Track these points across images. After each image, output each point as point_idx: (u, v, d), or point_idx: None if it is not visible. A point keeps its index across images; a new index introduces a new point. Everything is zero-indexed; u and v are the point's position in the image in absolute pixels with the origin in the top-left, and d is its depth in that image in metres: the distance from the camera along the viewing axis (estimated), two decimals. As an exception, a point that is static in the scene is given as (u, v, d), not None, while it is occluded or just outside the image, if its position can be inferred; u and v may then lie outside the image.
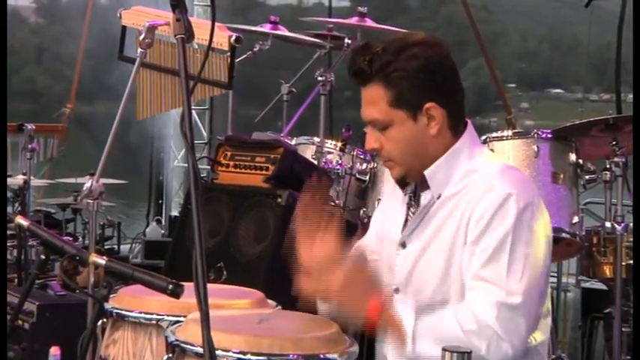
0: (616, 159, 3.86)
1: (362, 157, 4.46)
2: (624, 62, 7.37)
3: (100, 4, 10.59)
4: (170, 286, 1.97)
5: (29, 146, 5.35)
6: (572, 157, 3.91)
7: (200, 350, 1.98)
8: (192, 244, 1.80)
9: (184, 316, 2.23)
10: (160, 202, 9.35)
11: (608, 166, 3.89)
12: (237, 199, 4.02)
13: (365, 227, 2.84)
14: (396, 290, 2.40)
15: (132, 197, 12.61)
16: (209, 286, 1.78)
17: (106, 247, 7.34)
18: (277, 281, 2.76)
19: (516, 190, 2.25)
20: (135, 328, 2.36)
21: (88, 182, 3.09)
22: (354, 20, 4.92)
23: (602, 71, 21.62)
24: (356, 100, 2.41)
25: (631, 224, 3.90)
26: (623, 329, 3.89)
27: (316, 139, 4.53)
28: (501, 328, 2.15)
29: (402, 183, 2.45)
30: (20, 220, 2.25)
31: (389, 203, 2.58)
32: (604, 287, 4.75)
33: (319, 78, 4.76)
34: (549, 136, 3.91)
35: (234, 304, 2.45)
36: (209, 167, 4.92)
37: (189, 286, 1.87)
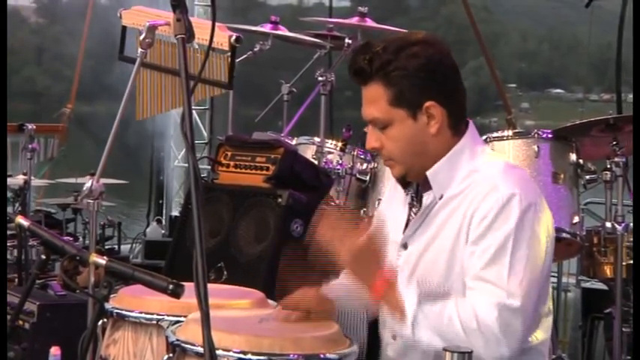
0: (616, 159, 3.86)
1: (362, 157, 4.46)
2: (624, 62, 7.37)
3: (100, 4, 10.57)
4: (170, 286, 1.97)
5: (29, 146, 5.35)
6: (573, 157, 3.91)
7: (201, 350, 1.98)
8: (193, 244, 1.80)
9: (185, 316, 2.23)
10: (161, 202, 9.34)
11: (608, 166, 3.89)
12: (237, 199, 4.02)
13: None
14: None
15: (132, 197, 12.61)
16: (209, 286, 1.78)
17: (106, 247, 7.33)
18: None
19: (520, 190, 2.25)
20: (135, 328, 2.37)
21: (88, 182, 3.09)
22: (354, 20, 4.92)
23: (602, 71, 21.60)
24: (356, 100, 2.41)
25: (631, 224, 3.90)
26: (624, 329, 3.89)
27: (317, 139, 4.53)
28: (500, 329, 2.15)
29: (402, 182, 2.45)
30: (21, 220, 2.25)
31: (389, 204, 2.58)
32: (604, 287, 4.74)
33: (319, 78, 4.76)
34: (550, 136, 3.91)
35: (235, 304, 2.45)
36: (209, 167, 4.93)
37: (189, 286, 1.87)
